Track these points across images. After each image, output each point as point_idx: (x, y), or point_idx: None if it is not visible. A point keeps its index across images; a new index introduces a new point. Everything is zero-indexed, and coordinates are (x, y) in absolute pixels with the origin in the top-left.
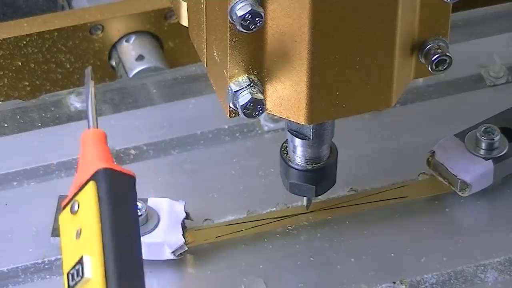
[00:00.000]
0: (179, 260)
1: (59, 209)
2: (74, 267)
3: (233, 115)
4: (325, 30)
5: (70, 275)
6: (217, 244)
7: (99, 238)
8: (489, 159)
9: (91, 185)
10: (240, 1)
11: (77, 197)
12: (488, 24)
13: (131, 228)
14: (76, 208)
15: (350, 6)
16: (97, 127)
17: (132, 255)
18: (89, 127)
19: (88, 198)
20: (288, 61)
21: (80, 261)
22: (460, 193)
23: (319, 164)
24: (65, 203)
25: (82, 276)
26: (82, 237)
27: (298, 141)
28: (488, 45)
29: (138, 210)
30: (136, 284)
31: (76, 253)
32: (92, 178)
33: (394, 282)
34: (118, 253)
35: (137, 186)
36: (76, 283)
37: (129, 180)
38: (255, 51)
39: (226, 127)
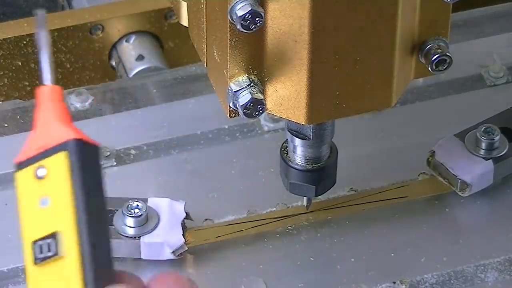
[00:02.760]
0: (179, 260)
1: None
2: (43, 239)
3: (233, 115)
4: (325, 30)
5: (37, 246)
6: (217, 244)
7: (73, 214)
8: (489, 159)
9: (63, 156)
10: (240, 1)
11: (43, 162)
12: (488, 24)
13: (102, 204)
14: (42, 174)
15: (350, 6)
16: (53, 83)
17: (104, 233)
18: (45, 83)
19: (59, 169)
20: (288, 61)
21: (53, 236)
22: (460, 193)
23: (319, 164)
24: (22, 160)
25: (55, 253)
26: (51, 209)
27: (298, 141)
28: (488, 45)
29: (138, 210)
30: (108, 264)
31: (43, 223)
32: (63, 147)
33: (394, 282)
34: (92, 231)
35: (137, 186)
36: (46, 258)
37: (96, 151)
38: (255, 51)
39: (226, 127)
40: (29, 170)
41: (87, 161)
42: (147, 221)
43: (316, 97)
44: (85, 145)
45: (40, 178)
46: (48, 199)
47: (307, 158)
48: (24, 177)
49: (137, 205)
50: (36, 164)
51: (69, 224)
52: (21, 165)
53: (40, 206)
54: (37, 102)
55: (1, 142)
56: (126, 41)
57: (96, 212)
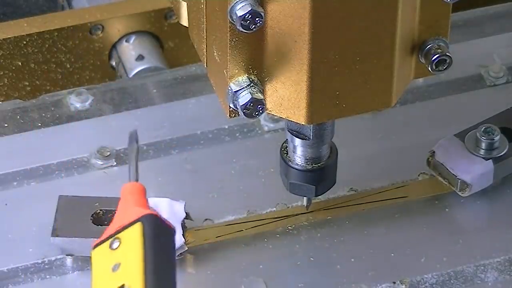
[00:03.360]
0: (179, 260)
1: (59, 209)
2: None
3: (233, 115)
4: (325, 30)
5: None
6: (217, 244)
7: (142, 271)
8: (489, 159)
9: (138, 226)
10: (240, 1)
11: (119, 236)
12: (488, 24)
13: (171, 271)
14: (116, 245)
15: (350, 6)
16: (138, 181)
17: None
18: (129, 180)
19: (133, 236)
20: (288, 61)
21: None
22: (460, 193)
23: (319, 164)
24: (97, 242)
25: None
26: (122, 270)
27: (298, 141)
28: (488, 45)
29: None
30: None
31: (113, 283)
32: (139, 220)
33: (394, 282)
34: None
35: None
36: None
37: (170, 230)
38: (255, 51)
39: (226, 127)
40: (104, 245)
41: (160, 235)
42: None
43: (316, 97)
44: (160, 222)
45: (113, 249)
46: (120, 264)
47: (307, 158)
48: (99, 251)
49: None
50: (112, 239)
51: (138, 280)
52: (97, 245)
53: (111, 271)
54: (121, 196)
55: (1, 142)
56: (126, 41)
57: (164, 277)
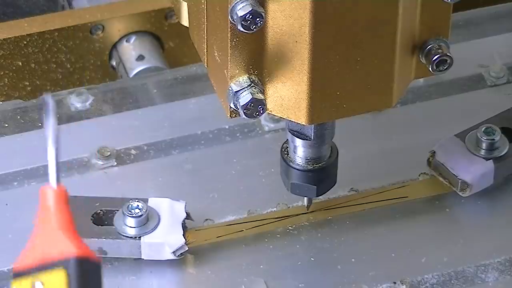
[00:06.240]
0: (179, 260)
1: None
2: None
3: (234, 115)
4: (325, 30)
5: None
6: (218, 244)
7: None
8: (489, 159)
9: (62, 275)
10: (240, 2)
11: (41, 277)
12: (488, 24)
13: None
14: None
15: (351, 6)
16: (59, 182)
17: None
18: (50, 182)
19: (57, 285)
20: (289, 61)
21: None
22: (460, 193)
23: (320, 164)
24: (19, 269)
25: None
26: None
27: (298, 141)
28: (488, 45)
29: (139, 210)
30: None
31: None
32: (63, 264)
33: (395, 282)
34: None
35: (137, 186)
36: None
37: (97, 267)
38: (255, 51)
39: (227, 127)
40: (26, 283)
41: (86, 280)
42: (148, 221)
43: (317, 97)
44: (86, 263)
45: None
46: None
47: (308, 158)
48: (20, 286)
49: (138, 205)
50: (34, 278)
51: None
52: (18, 275)
53: None
54: (40, 202)
55: (1, 142)
56: (126, 41)
57: None
